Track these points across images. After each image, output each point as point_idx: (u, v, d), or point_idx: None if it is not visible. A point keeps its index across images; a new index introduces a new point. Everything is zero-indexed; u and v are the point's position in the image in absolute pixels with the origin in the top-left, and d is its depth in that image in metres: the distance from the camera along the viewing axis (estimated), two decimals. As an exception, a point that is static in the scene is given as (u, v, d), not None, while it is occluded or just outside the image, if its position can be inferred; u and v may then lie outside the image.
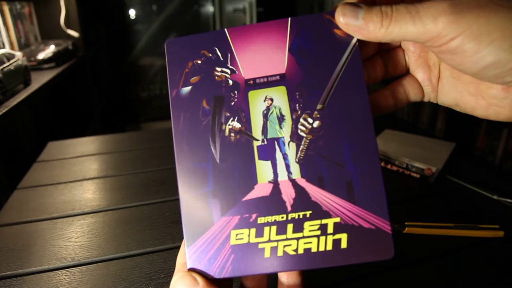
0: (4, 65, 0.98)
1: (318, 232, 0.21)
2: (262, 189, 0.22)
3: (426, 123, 1.08)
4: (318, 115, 0.22)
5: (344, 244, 0.21)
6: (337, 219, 0.21)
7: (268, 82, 0.23)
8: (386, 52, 0.27)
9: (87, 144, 0.85)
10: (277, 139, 0.23)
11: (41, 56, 1.40)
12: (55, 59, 1.44)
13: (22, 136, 1.35)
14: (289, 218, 0.21)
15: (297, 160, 0.22)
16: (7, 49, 1.14)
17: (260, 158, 0.22)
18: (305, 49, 0.23)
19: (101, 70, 2.43)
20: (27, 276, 0.43)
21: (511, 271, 0.41)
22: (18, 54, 1.09)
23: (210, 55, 0.24)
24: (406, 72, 0.27)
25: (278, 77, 0.23)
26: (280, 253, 0.21)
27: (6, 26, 1.37)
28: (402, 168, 0.63)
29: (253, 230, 0.22)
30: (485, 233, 0.46)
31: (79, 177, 0.68)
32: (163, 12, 2.90)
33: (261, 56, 0.23)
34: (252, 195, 0.22)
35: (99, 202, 0.59)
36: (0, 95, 0.93)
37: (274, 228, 0.21)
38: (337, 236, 0.21)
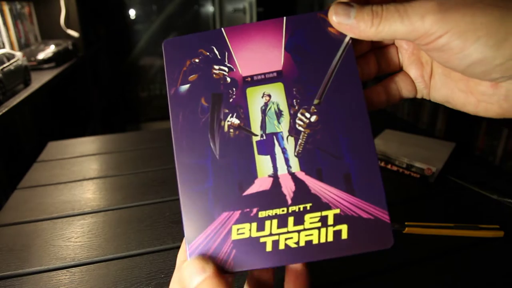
0: (4, 65, 0.98)
1: (319, 224, 0.21)
2: (262, 183, 0.22)
3: (426, 123, 1.08)
4: (315, 110, 0.23)
5: (344, 235, 0.21)
6: (337, 211, 0.22)
7: (265, 79, 0.24)
8: (380, 49, 0.27)
9: (87, 144, 0.85)
10: (276, 134, 0.23)
11: (41, 56, 1.40)
12: (55, 59, 1.44)
13: (22, 136, 1.35)
14: (290, 211, 0.22)
15: (295, 154, 0.23)
16: (7, 49, 1.14)
17: (259, 153, 0.23)
18: (301, 46, 0.24)
19: (101, 70, 2.43)
20: (27, 276, 0.43)
21: (511, 271, 0.41)
22: (18, 54, 1.09)
23: (208, 53, 0.24)
24: (399, 69, 0.27)
25: (275, 74, 0.24)
26: (281, 246, 0.21)
27: (6, 26, 1.37)
28: (402, 168, 0.63)
29: (254, 224, 0.22)
30: (485, 233, 0.46)
31: (79, 177, 0.68)
32: (163, 12, 2.90)
33: (258, 54, 0.24)
34: (252, 189, 0.22)
35: (99, 202, 0.59)
36: (0, 95, 0.93)
37: (275, 221, 0.22)
38: (338, 227, 0.21)
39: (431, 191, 0.59)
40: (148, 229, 0.51)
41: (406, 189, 0.60)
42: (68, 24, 1.77)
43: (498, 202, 0.54)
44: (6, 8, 1.39)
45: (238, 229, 0.22)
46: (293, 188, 0.22)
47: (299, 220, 0.22)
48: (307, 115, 0.23)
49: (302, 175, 0.22)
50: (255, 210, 0.22)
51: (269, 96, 0.23)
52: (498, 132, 0.84)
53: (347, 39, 0.23)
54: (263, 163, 0.23)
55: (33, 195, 0.62)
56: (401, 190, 0.59)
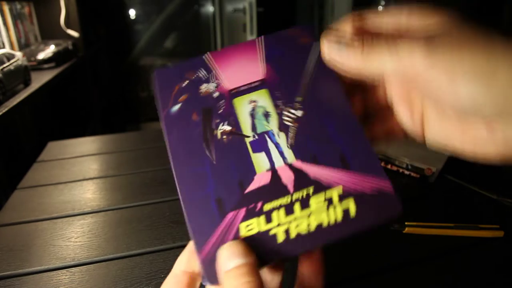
0: (4, 65, 0.98)
1: (325, 205, 0.22)
2: (262, 178, 0.23)
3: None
4: (300, 106, 0.25)
5: (352, 212, 0.22)
6: (339, 188, 0.22)
7: (250, 88, 0.25)
8: (367, 89, 0.27)
9: (87, 144, 0.85)
10: (267, 132, 0.24)
11: (41, 56, 1.40)
12: (55, 59, 1.44)
13: (22, 136, 1.36)
14: (294, 198, 0.22)
15: (288, 146, 0.24)
16: (7, 49, 1.14)
17: (254, 151, 0.24)
18: (278, 56, 0.26)
19: (101, 70, 2.43)
20: (27, 276, 0.43)
21: (511, 271, 0.41)
22: (18, 54, 1.09)
23: (194, 76, 0.26)
24: (387, 109, 0.27)
25: (258, 83, 0.26)
26: (293, 234, 0.21)
27: (6, 26, 1.37)
28: (402, 168, 0.63)
29: (261, 218, 0.22)
30: (485, 233, 0.46)
31: (79, 177, 0.68)
32: (163, 12, 2.90)
33: (241, 68, 0.26)
34: (253, 185, 0.23)
35: (99, 202, 0.59)
36: (0, 95, 0.93)
37: (282, 211, 0.22)
38: (344, 204, 0.22)
39: (431, 191, 0.59)
40: (148, 229, 0.51)
41: (406, 189, 0.60)
42: (68, 24, 1.77)
43: (498, 202, 0.54)
44: (6, 8, 1.40)
45: (246, 226, 0.22)
46: (292, 177, 0.23)
47: (305, 205, 0.22)
48: (293, 111, 0.25)
49: (299, 164, 0.23)
50: (259, 204, 0.22)
51: (255, 101, 0.25)
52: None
53: (316, 45, 0.26)
54: (259, 160, 0.23)
55: (33, 195, 0.62)
56: (401, 190, 0.59)
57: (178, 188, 0.23)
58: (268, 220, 0.22)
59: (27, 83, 1.13)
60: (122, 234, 0.50)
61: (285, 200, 0.22)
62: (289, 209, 0.22)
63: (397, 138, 0.27)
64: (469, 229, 0.47)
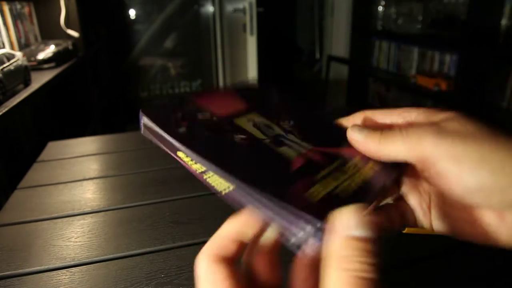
0: (4, 65, 0.98)
1: (357, 168, 0.25)
2: (297, 161, 0.24)
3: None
4: (291, 123, 0.28)
5: (376, 167, 0.25)
6: (358, 158, 0.25)
7: (242, 113, 0.28)
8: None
9: (87, 144, 0.85)
10: (277, 135, 0.27)
11: (41, 56, 1.40)
12: (55, 59, 1.44)
13: (22, 136, 1.36)
14: (333, 168, 0.24)
15: (301, 140, 0.26)
16: (7, 49, 1.14)
17: (277, 147, 0.25)
18: (248, 92, 0.32)
19: (101, 70, 2.43)
20: (27, 276, 0.43)
21: (511, 271, 0.41)
22: (18, 54, 1.09)
23: (185, 110, 0.27)
24: (399, 197, 0.27)
25: (246, 109, 0.29)
26: (349, 191, 0.23)
27: (6, 26, 1.37)
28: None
29: (320, 185, 0.23)
30: (485, 233, 0.46)
31: (79, 177, 0.68)
32: (163, 12, 2.90)
33: (224, 103, 0.29)
34: (295, 166, 0.24)
35: (99, 202, 0.59)
36: (0, 95, 0.93)
37: (330, 177, 0.23)
38: (370, 165, 0.25)
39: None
40: (148, 229, 0.51)
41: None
42: (68, 24, 1.77)
43: (498, 202, 0.54)
44: (6, 8, 1.40)
45: (312, 193, 0.22)
46: (319, 157, 0.25)
47: (343, 171, 0.24)
48: (287, 122, 0.28)
49: (318, 149, 0.26)
50: (310, 176, 0.23)
51: (254, 119, 0.28)
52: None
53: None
54: (285, 151, 0.25)
55: (33, 195, 0.62)
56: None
57: (253, 192, 0.21)
58: (326, 184, 0.23)
59: (27, 83, 1.13)
60: (122, 234, 0.50)
61: (327, 170, 0.24)
62: (334, 175, 0.24)
63: (409, 224, 0.28)
64: (469, 229, 0.47)
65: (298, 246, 0.19)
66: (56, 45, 1.49)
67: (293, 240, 0.20)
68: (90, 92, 1.95)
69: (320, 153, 0.25)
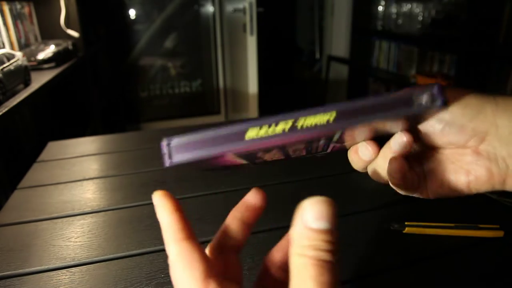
0: (4, 65, 0.98)
1: None
2: None
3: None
4: None
5: None
6: None
7: None
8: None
9: (87, 144, 0.85)
10: None
11: (41, 56, 1.40)
12: (55, 59, 1.43)
13: (22, 136, 1.36)
14: None
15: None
16: (7, 49, 1.14)
17: None
18: None
19: (101, 70, 2.42)
20: (27, 276, 0.43)
21: (511, 271, 0.41)
22: (18, 54, 1.09)
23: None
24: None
25: None
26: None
27: (6, 26, 1.37)
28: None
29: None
30: (485, 233, 0.46)
31: (79, 177, 0.68)
32: (163, 12, 2.90)
33: None
34: None
35: (99, 202, 0.59)
36: (0, 95, 0.93)
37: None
38: None
39: (431, 191, 0.59)
40: (148, 229, 0.51)
41: (406, 189, 0.60)
42: (68, 24, 1.77)
43: (498, 202, 0.54)
44: (6, 8, 1.40)
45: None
46: None
47: None
48: None
49: None
50: None
51: None
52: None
53: None
54: None
55: (33, 195, 0.62)
56: (401, 190, 0.59)
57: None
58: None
59: (27, 83, 1.13)
60: (122, 234, 0.50)
61: None
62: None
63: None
64: (469, 229, 0.47)
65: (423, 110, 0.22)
66: (56, 45, 1.49)
67: (416, 106, 0.22)
68: (90, 92, 1.95)
69: None
